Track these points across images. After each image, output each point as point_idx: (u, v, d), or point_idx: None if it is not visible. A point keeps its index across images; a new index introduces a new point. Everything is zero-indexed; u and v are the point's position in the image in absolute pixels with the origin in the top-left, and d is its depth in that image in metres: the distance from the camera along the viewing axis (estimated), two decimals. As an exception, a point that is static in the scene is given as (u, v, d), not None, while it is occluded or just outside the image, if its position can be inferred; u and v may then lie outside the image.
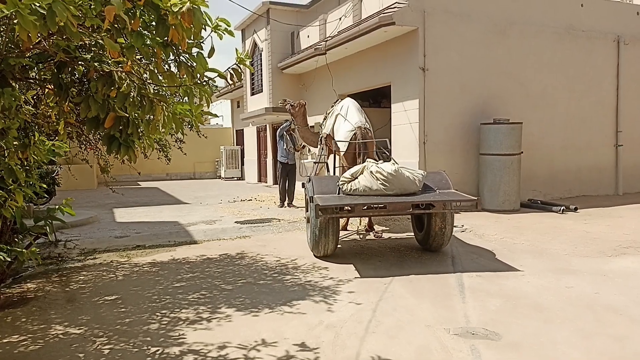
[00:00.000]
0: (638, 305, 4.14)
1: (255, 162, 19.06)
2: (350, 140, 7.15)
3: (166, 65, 2.91)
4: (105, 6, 2.19)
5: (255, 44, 16.31)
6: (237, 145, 22.58)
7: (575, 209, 9.28)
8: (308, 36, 13.88)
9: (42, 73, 3.29)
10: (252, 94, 17.12)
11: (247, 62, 2.97)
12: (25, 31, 2.05)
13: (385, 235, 7.33)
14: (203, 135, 9.11)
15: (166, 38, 2.47)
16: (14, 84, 2.96)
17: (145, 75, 2.99)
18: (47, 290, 4.89)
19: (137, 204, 12.57)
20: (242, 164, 21.47)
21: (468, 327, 3.68)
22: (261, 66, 15.87)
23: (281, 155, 11.26)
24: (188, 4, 2.30)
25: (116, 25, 2.45)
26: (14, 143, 3.30)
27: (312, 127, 10.56)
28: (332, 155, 8.31)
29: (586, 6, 11.24)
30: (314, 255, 6.00)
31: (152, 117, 2.89)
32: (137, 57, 2.84)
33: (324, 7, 13.98)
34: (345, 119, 7.41)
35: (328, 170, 8.53)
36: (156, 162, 8.93)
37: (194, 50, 2.68)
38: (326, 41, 11.60)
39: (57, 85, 2.96)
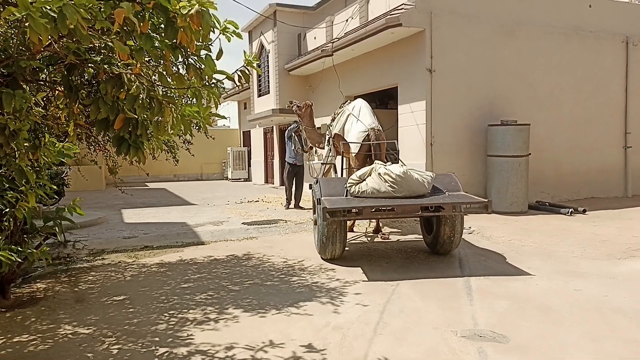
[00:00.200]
0: (647, 308, 4.11)
1: (262, 164, 19.10)
2: (363, 141, 7.11)
3: (175, 68, 2.94)
4: (115, 9, 2.21)
5: (262, 46, 16.35)
6: (244, 146, 22.64)
7: (584, 211, 9.20)
8: (315, 38, 13.90)
9: (52, 75, 3.33)
10: (259, 95, 17.16)
11: (255, 64, 2.98)
12: (36, 34, 2.08)
13: (392, 237, 7.32)
14: (210, 136, 9.14)
15: (175, 40, 2.49)
16: (24, 86, 2.99)
17: (154, 77, 3.01)
18: (56, 291, 4.94)
19: (145, 204, 12.64)
20: (249, 165, 21.52)
21: (476, 330, 3.67)
22: (268, 68, 15.91)
23: (289, 156, 11.27)
24: (197, 6, 2.32)
25: (125, 28, 2.47)
26: (25, 144, 3.33)
27: (319, 128, 10.56)
28: (339, 157, 8.28)
29: (594, 7, 11.17)
30: (322, 258, 6.00)
31: (161, 118, 2.92)
32: (146, 59, 2.86)
33: (331, 8, 13.99)
34: (358, 120, 7.32)
35: (336, 172, 8.50)
36: (164, 163, 8.97)
37: (203, 52, 2.69)
38: (333, 43, 11.61)
39: (67, 87, 2.99)
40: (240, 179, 21.66)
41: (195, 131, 7.04)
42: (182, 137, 7.96)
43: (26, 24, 2.13)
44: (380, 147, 7.08)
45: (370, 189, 5.54)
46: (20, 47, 2.79)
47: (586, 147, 11.27)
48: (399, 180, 5.45)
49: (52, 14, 2.08)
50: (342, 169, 8.40)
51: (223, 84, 3.11)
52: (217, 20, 2.54)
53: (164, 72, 2.84)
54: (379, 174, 5.58)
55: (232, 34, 2.64)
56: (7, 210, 3.67)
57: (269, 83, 16.05)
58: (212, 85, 2.90)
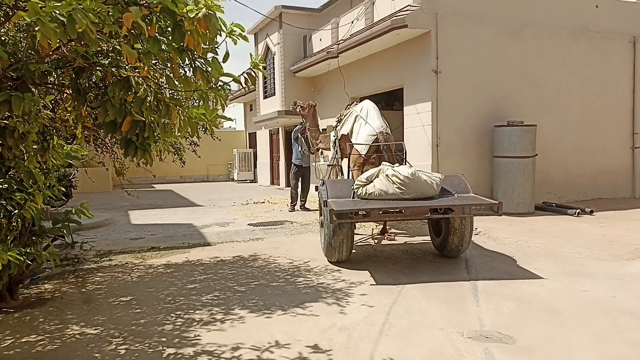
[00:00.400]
0: (655, 309, 4.08)
1: (268, 165, 19.15)
2: (372, 143, 7.01)
3: (182, 70, 2.96)
4: (123, 13, 2.24)
5: (267, 48, 16.40)
6: (249, 148, 22.71)
7: (591, 212, 9.16)
8: (320, 39, 13.92)
9: (60, 78, 3.37)
10: (265, 97, 17.21)
11: (261, 67, 3.00)
12: (45, 38, 2.11)
13: (399, 239, 7.31)
14: (217, 138, 9.17)
15: (182, 43, 2.51)
16: (33, 89, 3.03)
17: (161, 80, 3.04)
18: (63, 291, 4.97)
19: (151, 206, 12.70)
20: (255, 166, 21.59)
21: (482, 331, 3.66)
22: (274, 69, 15.95)
23: (296, 158, 11.28)
24: (204, 10, 2.34)
25: (133, 32, 2.50)
26: (34, 147, 3.37)
27: (324, 129, 10.58)
28: (346, 159, 8.26)
29: (601, 7, 11.11)
30: (328, 260, 5.98)
31: (168, 121, 2.95)
32: (153, 62, 2.89)
33: (336, 10, 14.01)
34: (366, 122, 7.24)
35: (342, 174, 8.48)
36: (170, 165, 9.03)
37: (209, 55, 2.72)
38: (338, 44, 11.63)
39: (75, 90, 3.03)
40: (246, 180, 21.72)
41: (201, 133, 7.10)
42: (189, 139, 8.00)
43: (36, 29, 2.16)
44: (390, 149, 7.02)
45: (378, 191, 5.44)
46: (29, 51, 2.83)
47: (593, 147, 11.21)
48: (407, 182, 5.35)
49: (62, 19, 2.11)
50: (348, 170, 8.39)
51: (229, 86, 3.13)
52: (224, 24, 2.56)
53: (171, 75, 2.87)
54: (387, 175, 5.48)
55: (239, 37, 2.66)
56: (16, 211, 3.71)
57: (274, 85, 16.09)
58: (219, 87, 2.93)
